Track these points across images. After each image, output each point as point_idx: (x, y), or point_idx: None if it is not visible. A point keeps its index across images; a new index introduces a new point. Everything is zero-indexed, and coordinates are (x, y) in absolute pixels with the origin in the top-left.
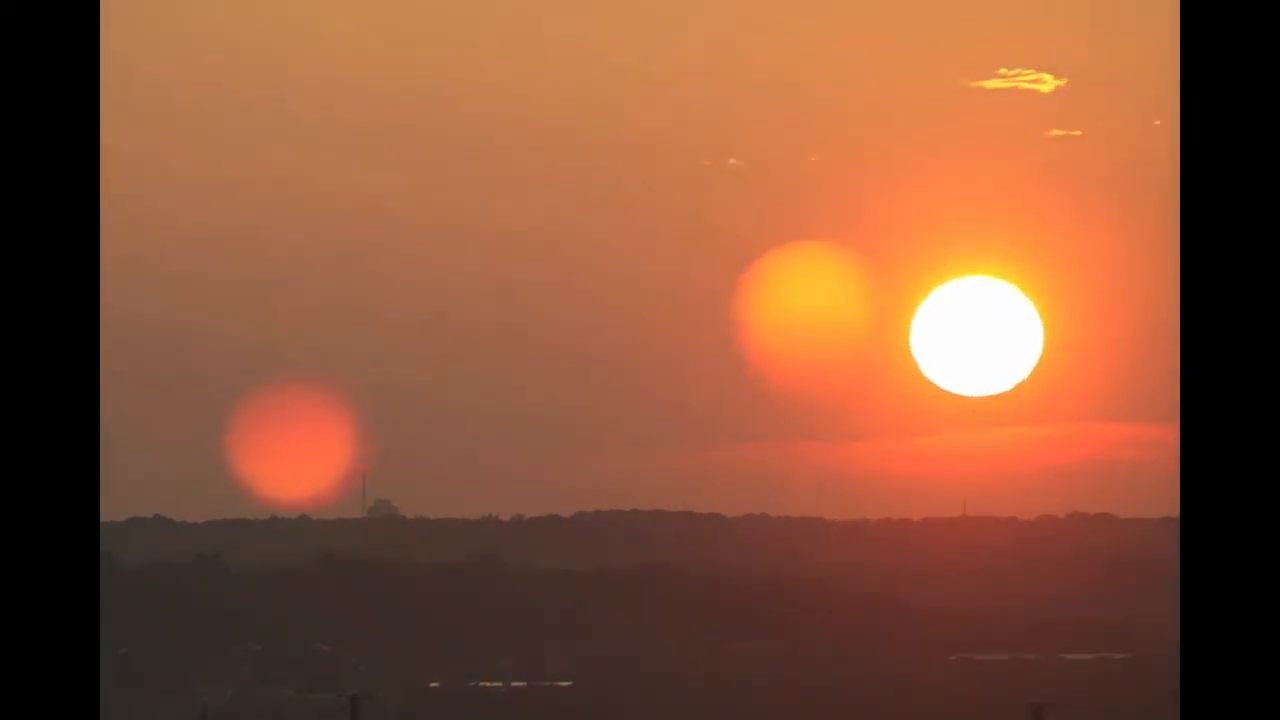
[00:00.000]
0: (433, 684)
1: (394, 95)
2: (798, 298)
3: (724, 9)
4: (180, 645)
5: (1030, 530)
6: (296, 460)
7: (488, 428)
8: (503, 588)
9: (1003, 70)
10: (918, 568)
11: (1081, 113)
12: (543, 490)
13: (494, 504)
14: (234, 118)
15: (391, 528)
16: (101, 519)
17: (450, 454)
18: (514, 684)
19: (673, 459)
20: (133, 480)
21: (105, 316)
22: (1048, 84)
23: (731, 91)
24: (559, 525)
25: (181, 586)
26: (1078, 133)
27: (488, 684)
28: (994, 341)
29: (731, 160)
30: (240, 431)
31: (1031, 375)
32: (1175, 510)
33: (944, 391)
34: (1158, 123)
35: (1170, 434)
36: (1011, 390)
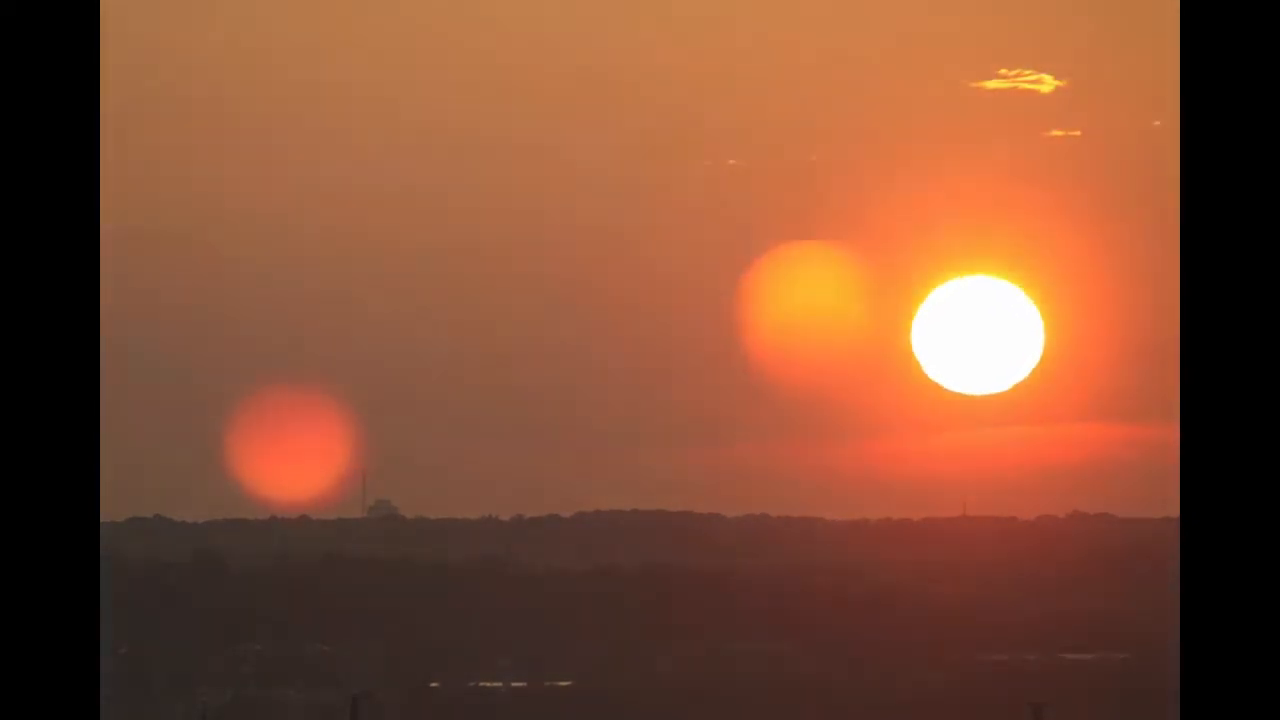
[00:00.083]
0: (433, 684)
1: (394, 95)
2: (797, 297)
3: (723, 9)
4: (180, 645)
5: (1030, 530)
6: (297, 460)
7: (488, 428)
8: (503, 588)
9: (1003, 71)
10: (918, 568)
11: (1081, 113)
12: (543, 490)
13: (494, 504)
14: (234, 118)
15: (391, 528)
16: (101, 519)
17: (450, 454)
18: (514, 684)
19: (673, 459)
20: (133, 480)
21: (105, 317)
22: (1047, 84)
23: (731, 92)
24: (559, 525)
25: (181, 586)
26: (1077, 133)
27: (488, 684)
28: (995, 340)
29: (731, 160)
30: (240, 431)
31: (1031, 375)
32: (1175, 510)
33: (945, 390)
34: (1157, 123)
35: (1170, 434)
36: (1011, 390)
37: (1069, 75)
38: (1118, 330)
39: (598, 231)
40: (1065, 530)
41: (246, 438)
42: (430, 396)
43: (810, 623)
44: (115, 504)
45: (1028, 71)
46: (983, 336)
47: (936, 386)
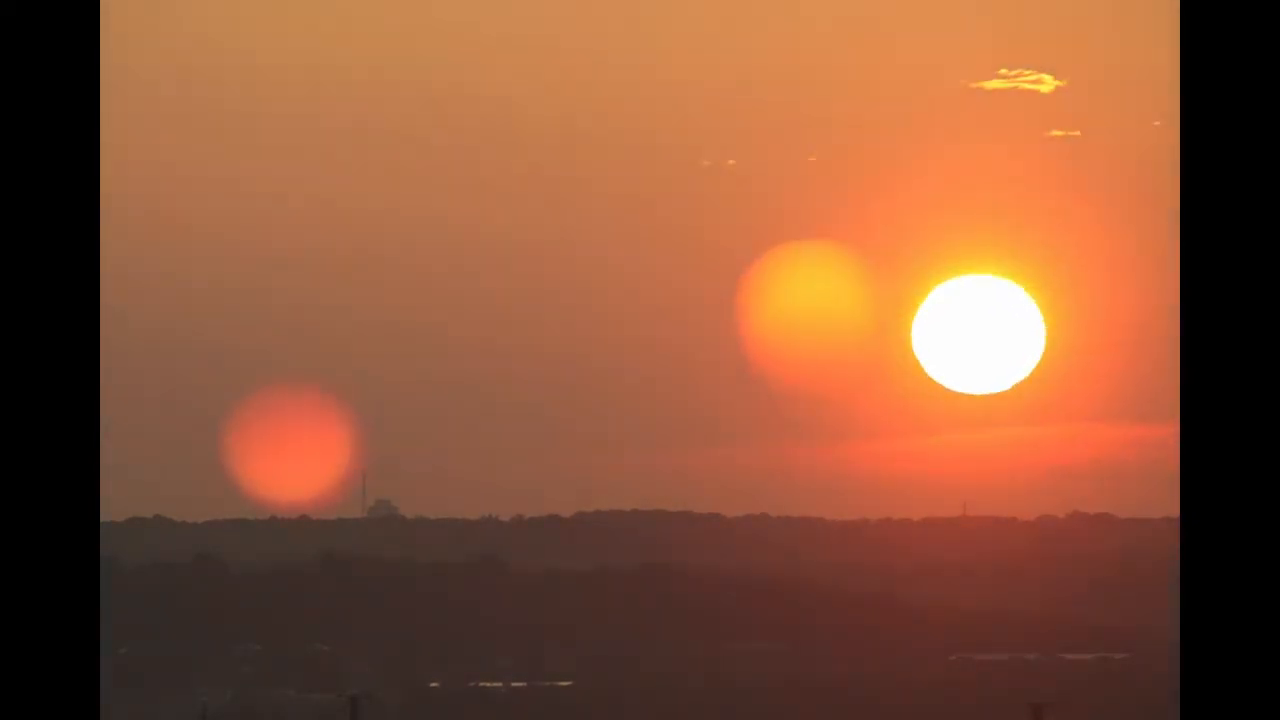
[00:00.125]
0: (433, 684)
1: (396, 98)
2: (797, 297)
3: (723, 10)
4: (180, 645)
5: (1030, 530)
6: (296, 460)
7: (488, 428)
8: (503, 588)
9: (1003, 71)
10: (918, 568)
11: (1081, 113)
12: (543, 490)
13: (494, 504)
14: (235, 118)
15: (391, 528)
16: (101, 519)
17: (450, 454)
18: (514, 684)
19: (673, 459)
20: (133, 480)
21: (105, 316)
22: (1048, 84)
23: (731, 93)
24: (559, 525)
25: (181, 586)
26: (1077, 133)
27: (488, 684)
28: (995, 339)
29: (731, 161)
30: (240, 431)
31: (1031, 375)
32: (1175, 510)
33: (945, 389)
34: (1157, 123)
35: (1170, 434)
36: (1011, 390)
37: (1069, 75)
38: (1117, 330)
39: (598, 232)
40: (1065, 530)
41: (246, 438)
42: (430, 397)
43: (810, 623)
44: (115, 504)
45: (1028, 71)
46: (983, 335)
47: (937, 386)
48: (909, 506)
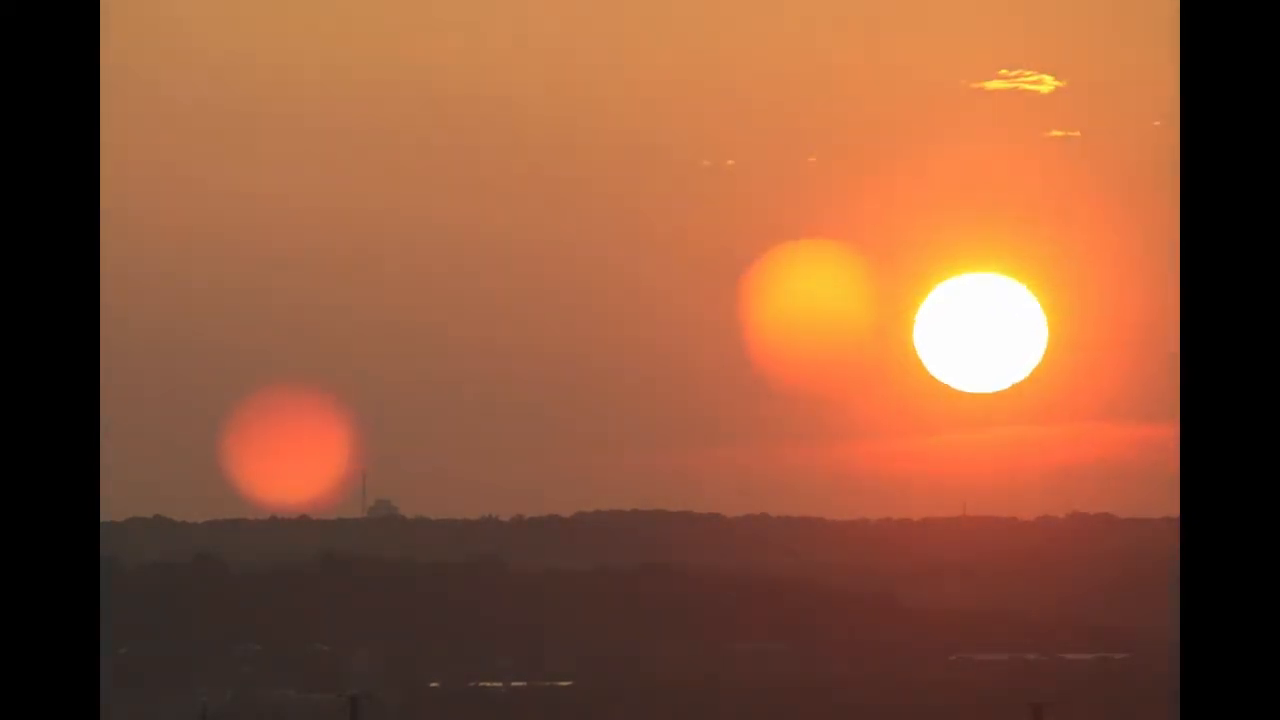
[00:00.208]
0: (433, 684)
1: (396, 98)
2: (798, 297)
3: (723, 10)
4: (180, 645)
5: (1030, 530)
6: (297, 460)
7: (488, 428)
8: (503, 588)
9: (1003, 71)
10: (918, 568)
11: (1081, 113)
12: (543, 490)
13: (494, 504)
14: (235, 119)
15: (391, 528)
16: (101, 519)
17: (450, 454)
18: (514, 684)
19: (673, 459)
20: (133, 480)
21: (105, 316)
22: (1048, 84)
23: (731, 93)
24: (559, 525)
25: (181, 586)
26: (1077, 133)
27: (488, 684)
28: (997, 337)
29: (731, 161)
30: (240, 432)
31: (1031, 375)
32: (1175, 510)
33: (946, 388)
34: (1157, 123)
35: (1170, 434)
36: (1012, 389)
37: (1069, 75)
38: (1117, 330)
39: (597, 232)
40: (1065, 530)
41: (246, 438)
42: (430, 397)
43: (810, 623)
44: (115, 504)
45: (1028, 72)
46: (985, 334)
47: (938, 384)
48: (909, 506)
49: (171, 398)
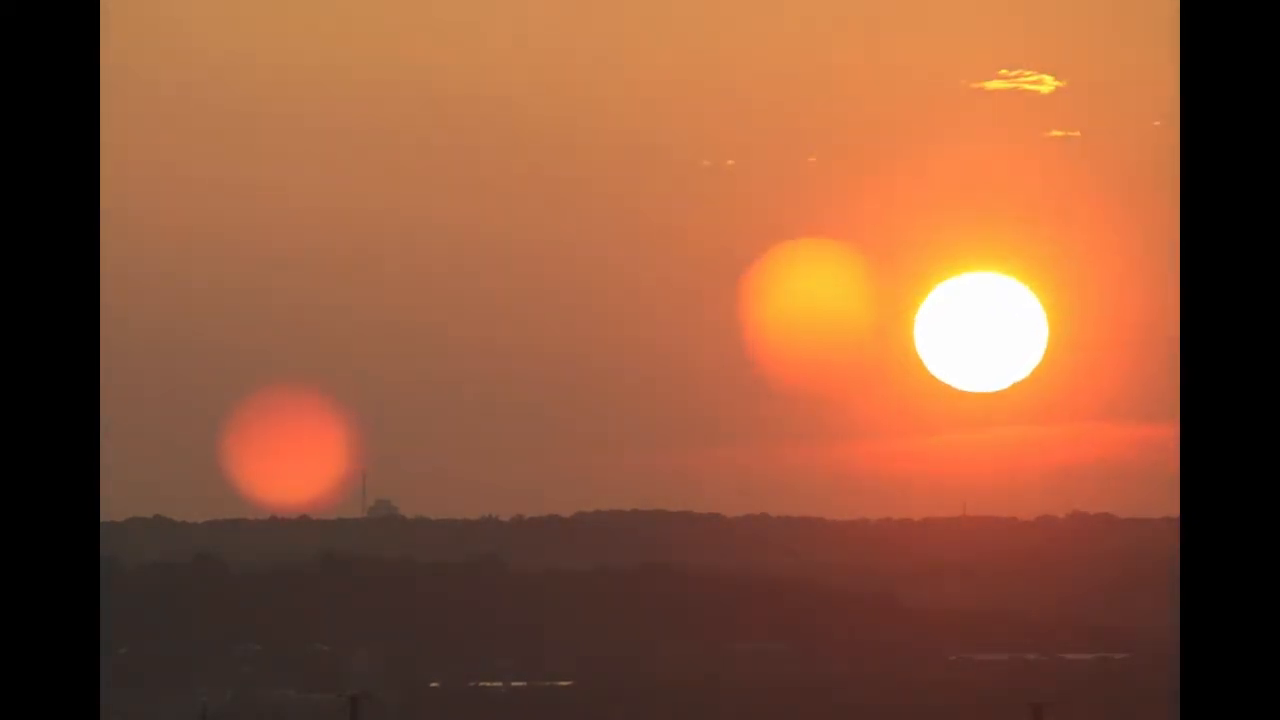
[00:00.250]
0: (433, 684)
1: (395, 98)
2: (797, 296)
3: (723, 10)
4: (180, 645)
5: (1030, 530)
6: (296, 460)
7: (488, 428)
8: (503, 588)
9: (1004, 71)
10: (918, 568)
11: (1081, 113)
12: (543, 490)
13: (494, 504)
14: (235, 119)
15: (391, 528)
16: (101, 519)
17: (450, 454)
18: (514, 684)
19: (673, 459)
20: (133, 480)
21: (105, 317)
22: (1048, 85)
23: (731, 93)
24: (559, 525)
25: (181, 586)
26: (1077, 133)
27: (488, 684)
28: (998, 336)
29: (730, 161)
30: (240, 432)
31: (1031, 375)
32: (1175, 510)
33: (947, 387)
34: (1157, 123)
35: (1170, 434)
36: (1012, 389)
37: (1069, 75)
38: (1117, 330)
39: (597, 232)
40: (1065, 530)
41: (247, 438)
42: (430, 397)
43: (810, 623)
44: (115, 504)
45: (1028, 72)
46: (986, 332)
47: (939, 383)
48: (909, 506)
49: (171, 398)
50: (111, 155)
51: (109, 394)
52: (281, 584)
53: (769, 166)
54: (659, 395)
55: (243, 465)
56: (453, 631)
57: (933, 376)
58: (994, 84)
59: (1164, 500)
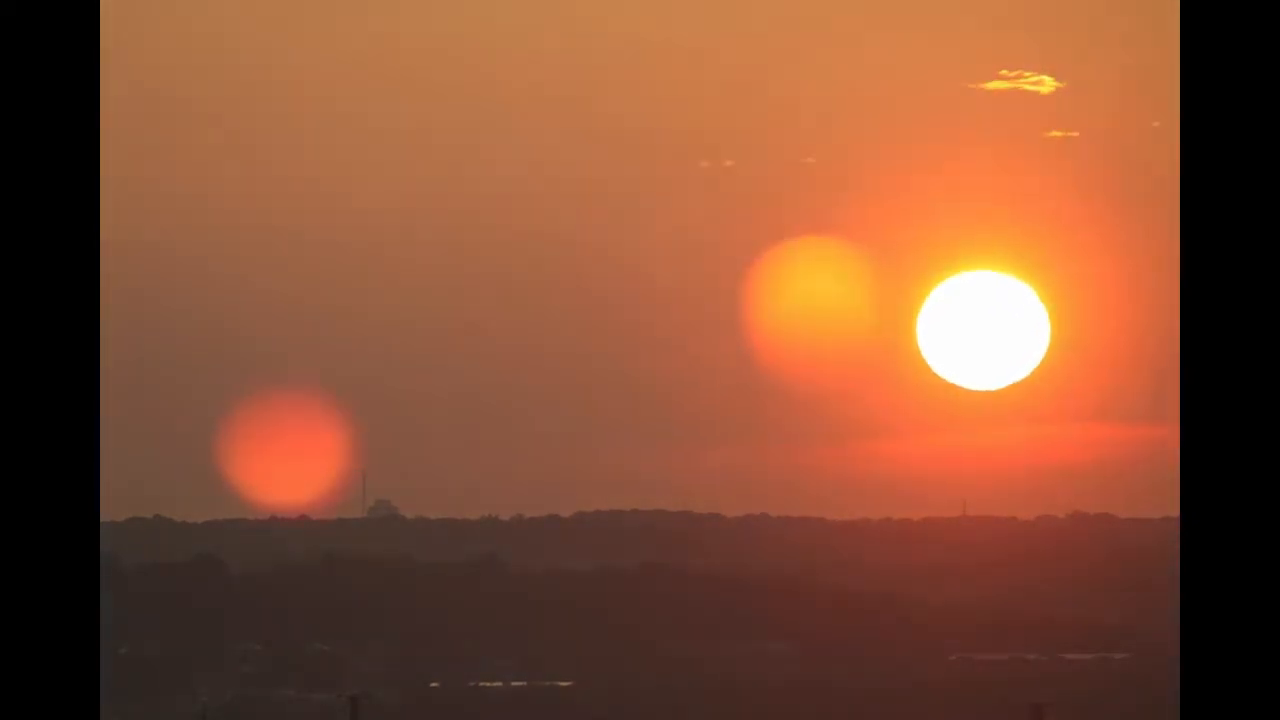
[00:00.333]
0: (433, 684)
1: (394, 98)
2: (797, 296)
3: (723, 10)
4: (180, 645)
5: (1030, 530)
6: (296, 460)
7: (488, 428)
8: (503, 588)
9: (1003, 71)
10: (918, 568)
11: (1081, 113)
12: (543, 490)
13: (494, 504)
14: (234, 119)
15: (391, 528)
16: (101, 519)
17: (450, 454)
18: (514, 684)
19: (673, 459)
20: (133, 480)
21: (105, 317)
22: (1048, 85)
23: (730, 93)
24: (559, 525)
25: (181, 586)
26: (1076, 134)
27: (488, 684)
28: (1000, 334)
29: (729, 162)
30: (240, 431)
31: (1032, 375)
32: (1175, 510)
33: (950, 385)
34: (1157, 123)
35: (1170, 434)
36: (1012, 389)
37: (1069, 76)
38: (1117, 331)
39: (597, 232)
40: (1065, 530)
41: (246, 438)
42: (430, 397)
43: (810, 623)
44: (115, 504)
45: (1028, 72)
46: (988, 331)
47: (942, 381)
48: (909, 506)
49: (171, 398)
50: (111, 155)
51: (109, 394)
52: (281, 584)
53: (768, 167)
54: (659, 395)
55: (243, 465)
56: (453, 631)
57: (936, 375)
58: (994, 84)
59: (1164, 500)
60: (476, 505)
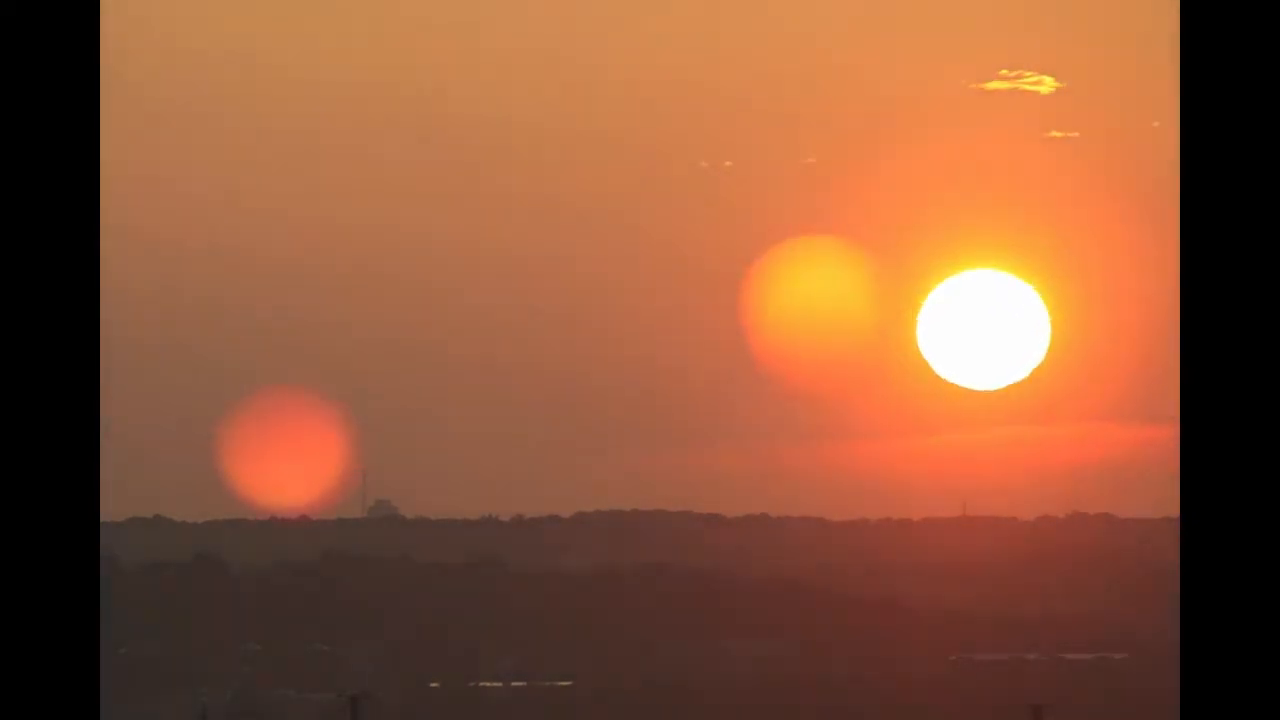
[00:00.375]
0: (433, 684)
1: (394, 97)
2: (797, 295)
3: (722, 10)
4: (180, 645)
5: (1030, 530)
6: (296, 460)
7: (488, 428)
8: (503, 588)
9: (1003, 72)
10: (918, 568)
11: (1081, 114)
12: (543, 490)
13: (494, 504)
14: (234, 119)
15: (391, 528)
16: (101, 519)
17: (450, 454)
18: (514, 684)
19: (673, 459)
20: (133, 480)
21: (105, 317)
22: (1048, 86)
23: (729, 94)
24: (559, 525)
25: (181, 586)
26: (1076, 134)
27: (488, 684)
28: (1000, 334)
29: (728, 162)
30: (240, 431)
31: (1031, 375)
32: (1175, 510)
33: (950, 385)
34: (1157, 124)
35: (1170, 434)
36: (1012, 389)
37: (1069, 76)
38: (1117, 330)
39: (595, 233)
40: (1065, 530)
41: (246, 438)
42: (430, 396)
43: (810, 623)
44: (115, 504)
45: (1028, 73)
46: (989, 330)
47: (942, 381)
48: (909, 506)
49: (171, 398)
50: (111, 158)
51: (109, 394)
52: (281, 584)
53: (767, 167)
54: (659, 395)
55: (243, 465)
56: (453, 631)
57: (936, 375)
58: (994, 84)
59: (1164, 500)
60: (476, 505)
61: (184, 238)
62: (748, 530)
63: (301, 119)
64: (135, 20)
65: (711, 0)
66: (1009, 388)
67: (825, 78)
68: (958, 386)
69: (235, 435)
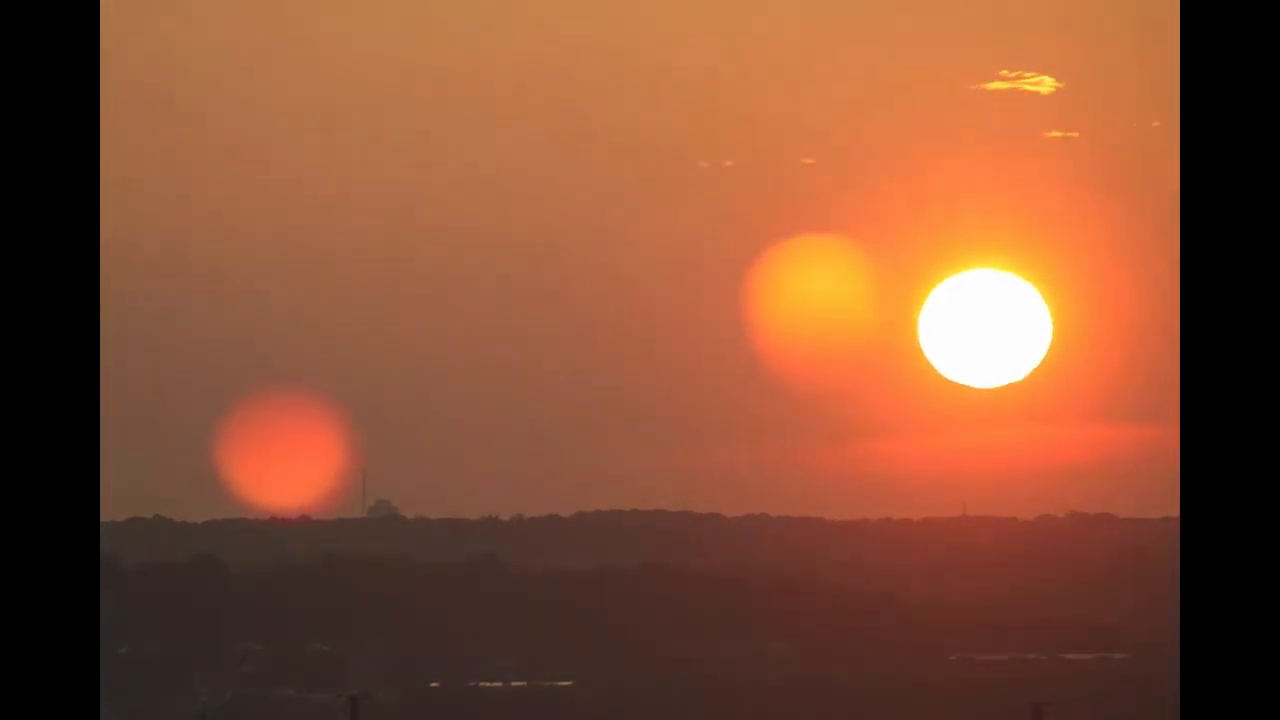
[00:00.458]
0: (433, 684)
1: (392, 100)
2: (797, 296)
3: (721, 10)
4: (180, 645)
5: (1030, 530)
6: (296, 461)
7: (488, 428)
8: (503, 588)
9: (1004, 72)
10: (918, 568)
11: (1081, 114)
12: (543, 490)
13: (494, 504)
14: (234, 120)
15: (391, 528)
16: (101, 519)
17: (450, 454)
18: (514, 684)
19: (673, 459)
20: (133, 480)
21: (105, 317)
22: (1048, 85)
23: (729, 93)
24: (559, 525)
25: (181, 586)
26: (1076, 134)
27: (488, 684)
28: (1002, 333)
29: (728, 162)
30: (240, 431)
31: (1031, 375)
32: (1175, 510)
33: (952, 384)
34: (1157, 123)
35: (1170, 434)
36: (1012, 389)
37: (1069, 76)
38: (1117, 330)
39: (597, 232)
40: (1065, 530)
41: (246, 438)
42: (430, 397)
43: (810, 623)
44: (115, 504)
45: (1028, 73)
46: (990, 329)
47: (945, 380)
48: (909, 506)
49: (171, 398)
50: (111, 155)
51: (109, 394)
52: (281, 584)
53: (767, 167)
54: (659, 395)
55: (243, 465)
56: (453, 631)
57: (937, 374)
58: (994, 84)
59: (1164, 500)
60: (476, 505)
61: (183, 238)
62: (748, 530)
63: (301, 119)
64: (135, 20)
65: (712, 1)
66: (1009, 387)
67: (825, 78)
68: (959, 385)
69: (235, 435)
